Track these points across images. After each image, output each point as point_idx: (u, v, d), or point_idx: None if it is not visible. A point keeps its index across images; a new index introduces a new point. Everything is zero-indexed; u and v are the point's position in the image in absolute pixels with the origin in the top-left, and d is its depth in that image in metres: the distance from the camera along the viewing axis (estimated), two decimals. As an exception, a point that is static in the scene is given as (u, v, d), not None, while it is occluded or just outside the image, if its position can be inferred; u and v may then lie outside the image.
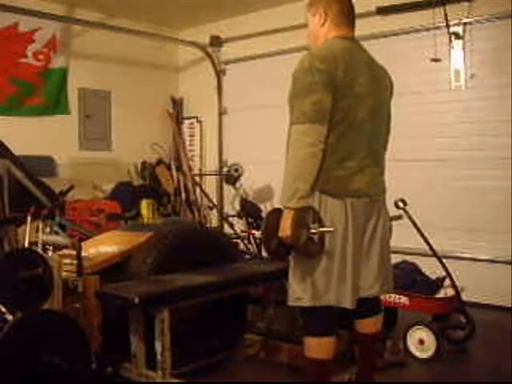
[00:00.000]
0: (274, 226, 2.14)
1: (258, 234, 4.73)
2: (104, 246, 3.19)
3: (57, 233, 3.81)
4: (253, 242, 4.89)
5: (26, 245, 2.82)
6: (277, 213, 2.16)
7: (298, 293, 2.27)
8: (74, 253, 2.82)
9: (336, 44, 2.31)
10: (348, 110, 2.19)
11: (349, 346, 3.33)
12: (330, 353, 2.32)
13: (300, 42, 5.61)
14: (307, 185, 2.10)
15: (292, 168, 2.12)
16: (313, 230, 2.10)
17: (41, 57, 5.61)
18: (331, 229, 2.15)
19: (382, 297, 3.56)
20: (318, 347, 2.31)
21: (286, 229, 2.09)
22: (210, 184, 6.56)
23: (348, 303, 2.26)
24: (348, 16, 2.48)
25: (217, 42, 6.36)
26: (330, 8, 2.41)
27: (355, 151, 2.24)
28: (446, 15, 4.32)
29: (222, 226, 6.13)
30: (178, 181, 6.32)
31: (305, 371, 2.43)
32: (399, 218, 3.13)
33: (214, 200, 6.29)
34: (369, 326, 2.58)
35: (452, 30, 4.56)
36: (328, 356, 2.32)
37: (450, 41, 4.60)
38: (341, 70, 2.15)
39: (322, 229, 2.12)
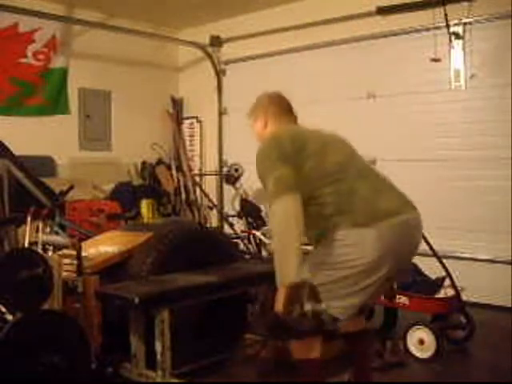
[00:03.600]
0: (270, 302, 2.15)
1: (258, 233, 4.73)
2: (104, 246, 3.19)
3: (57, 233, 3.81)
4: (253, 241, 4.89)
5: (26, 245, 2.82)
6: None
7: None
8: (74, 253, 2.82)
9: (279, 130, 2.48)
10: (317, 166, 2.25)
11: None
12: (317, 352, 2.32)
13: (300, 42, 5.63)
14: (294, 262, 2.08)
15: (279, 246, 2.13)
16: (306, 308, 2.07)
17: (41, 57, 5.61)
18: (323, 307, 2.12)
19: (382, 297, 3.58)
20: (304, 349, 2.31)
21: (278, 305, 2.07)
22: (210, 184, 6.56)
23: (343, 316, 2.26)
24: (285, 109, 2.59)
25: (217, 42, 6.36)
26: (267, 112, 2.56)
27: (356, 182, 2.26)
28: (446, 15, 4.32)
29: (221, 226, 6.13)
30: (178, 181, 6.32)
31: (299, 372, 2.43)
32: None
33: (214, 200, 6.29)
34: (353, 325, 2.51)
35: (452, 30, 4.55)
36: (317, 355, 2.31)
37: (450, 41, 4.59)
38: (287, 142, 2.28)
39: (314, 307, 2.09)
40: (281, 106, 2.59)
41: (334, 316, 2.23)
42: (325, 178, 2.25)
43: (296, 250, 2.09)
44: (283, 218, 2.12)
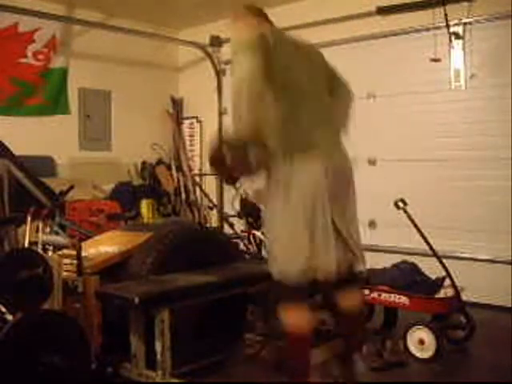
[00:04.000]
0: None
1: (258, 233, 4.73)
2: (104, 246, 3.20)
3: (57, 233, 3.81)
4: (253, 242, 4.89)
5: (26, 245, 2.82)
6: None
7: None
8: (74, 253, 2.83)
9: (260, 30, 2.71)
10: (285, 79, 2.44)
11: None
12: (306, 323, 2.37)
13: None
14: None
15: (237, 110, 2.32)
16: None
17: (41, 57, 5.61)
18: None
19: (383, 297, 3.58)
20: (296, 315, 2.36)
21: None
22: (210, 184, 6.56)
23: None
24: (262, 16, 2.93)
25: (217, 42, 6.35)
26: (246, 16, 2.87)
27: (304, 111, 2.45)
28: (446, 15, 4.32)
29: (221, 226, 6.12)
30: (178, 181, 6.32)
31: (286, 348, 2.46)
32: None
33: (214, 200, 6.29)
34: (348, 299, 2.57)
35: (452, 30, 4.55)
36: (307, 327, 2.37)
37: (450, 41, 4.59)
38: (268, 44, 2.47)
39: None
40: (259, 15, 2.88)
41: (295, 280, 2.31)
42: (284, 91, 2.39)
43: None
44: (246, 102, 2.27)
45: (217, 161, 2.47)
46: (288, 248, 2.33)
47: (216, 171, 2.61)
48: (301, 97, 2.44)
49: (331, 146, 2.55)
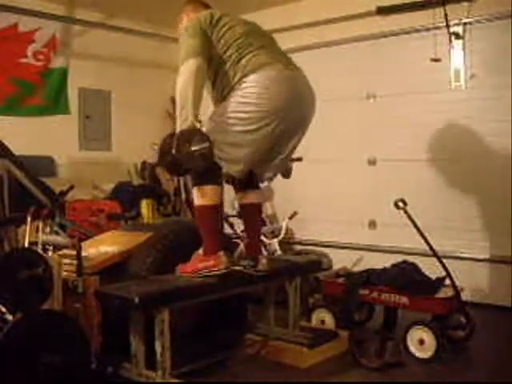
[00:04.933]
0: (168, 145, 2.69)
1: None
2: (104, 246, 3.20)
3: (57, 233, 3.81)
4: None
5: (26, 245, 2.82)
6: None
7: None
8: (74, 253, 2.83)
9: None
10: (228, 33, 2.86)
11: (349, 346, 3.35)
12: (218, 198, 2.87)
13: (300, 42, 5.62)
14: (191, 110, 2.64)
15: (179, 97, 2.69)
16: (192, 148, 2.59)
17: (41, 57, 5.61)
18: (205, 145, 2.61)
19: (383, 297, 3.59)
20: (214, 194, 2.83)
21: (174, 145, 2.61)
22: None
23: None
24: (197, 2, 3.21)
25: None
26: (187, 9, 3.20)
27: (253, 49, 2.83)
28: (446, 15, 4.32)
29: (222, 226, 6.12)
30: (178, 181, 6.32)
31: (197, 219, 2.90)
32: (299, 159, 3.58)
33: (214, 200, 6.28)
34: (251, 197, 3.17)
35: (452, 30, 4.55)
36: (218, 201, 2.86)
37: (450, 41, 4.59)
38: (204, 17, 2.87)
39: (198, 146, 2.59)
40: (197, 2, 3.17)
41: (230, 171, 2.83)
42: (234, 39, 2.81)
43: (194, 102, 2.63)
44: (187, 76, 2.65)
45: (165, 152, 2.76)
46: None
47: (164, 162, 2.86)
48: (249, 35, 2.86)
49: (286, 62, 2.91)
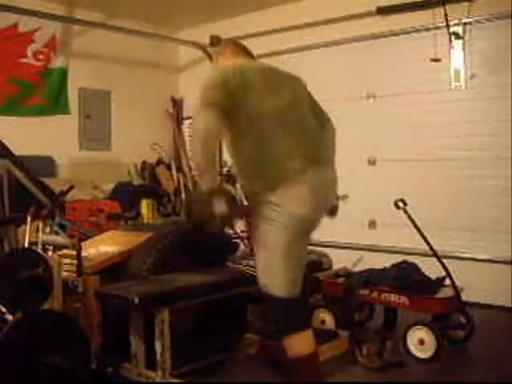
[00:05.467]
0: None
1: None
2: (104, 246, 3.20)
3: (57, 233, 3.81)
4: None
5: (26, 245, 2.82)
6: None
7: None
8: (74, 253, 2.82)
9: (232, 64, 2.59)
10: (257, 105, 2.38)
11: (349, 346, 3.34)
12: (312, 345, 2.39)
13: (300, 42, 5.63)
14: (212, 169, 2.37)
15: (198, 156, 2.36)
16: (216, 211, 2.34)
17: (41, 57, 5.61)
18: (225, 211, 2.33)
19: (383, 297, 3.59)
20: (299, 343, 2.38)
21: (196, 207, 2.38)
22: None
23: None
24: (241, 47, 2.82)
25: (217, 41, 6.35)
26: (226, 50, 2.81)
27: (282, 138, 2.39)
28: (446, 15, 4.31)
29: (221, 226, 6.12)
30: (178, 181, 6.32)
31: (295, 372, 2.44)
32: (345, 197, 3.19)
33: (214, 200, 6.28)
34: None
35: (452, 30, 4.55)
36: (311, 349, 2.38)
37: (450, 41, 4.59)
38: (232, 75, 2.40)
39: (219, 210, 2.34)
40: (238, 45, 2.83)
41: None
42: (258, 124, 2.38)
43: (215, 160, 2.38)
44: (202, 132, 2.32)
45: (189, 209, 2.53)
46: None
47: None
48: (277, 123, 2.40)
49: (317, 170, 2.46)
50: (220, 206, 2.32)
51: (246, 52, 2.77)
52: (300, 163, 2.36)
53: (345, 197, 3.08)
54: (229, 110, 2.33)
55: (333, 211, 2.80)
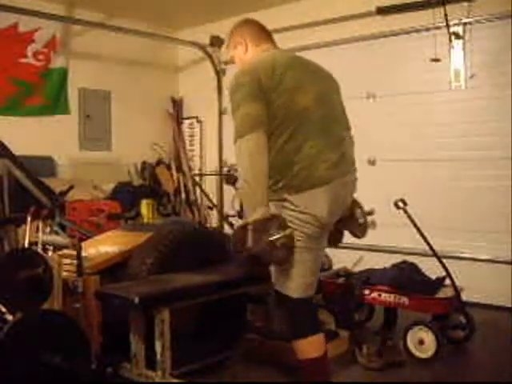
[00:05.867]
0: (241, 239, 2.20)
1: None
2: (104, 246, 3.19)
3: (57, 233, 3.81)
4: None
5: (26, 245, 2.81)
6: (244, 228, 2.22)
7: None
8: (74, 253, 2.82)
9: (257, 57, 2.41)
10: (286, 105, 2.26)
11: (349, 346, 3.35)
12: (322, 349, 2.37)
13: (300, 42, 5.62)
14: (263, 195, 2.19)
15: (247, 182, 2.20)
16: (273, 237, 2.17)
17: (41, 57, 5.61)
18: (286, 232, 2.19)
19: (383, 297, 3.58)
20: (311, 347, 2.35)
21: (248, 241, 2.17)
22: (210, 184, 6.56)
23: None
24: (263, 32, 2.56)
25: (217, 42, 6.36)
26: (244, 34, 2.53)
27: (310, 139, 2.29)
28: (446, 15, 4.32)
29: (221, 226, 6.12)
30: (178, 181, 6.32)
31: (303, 374, 2.43)
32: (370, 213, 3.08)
33: (214, 200, 6.29)
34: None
35: (452, 30, 4.55)
36: (321, 353, 2.36)
37: (450, 41, 4.59)
38: (263, 74, 2.24)
39: (278, 235, 2.17)
40: (259, 29, 2.55)
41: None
42: (285, 124, 2.26)
43: (264, 185, 2.19)
44: (250, 155, 2.18)
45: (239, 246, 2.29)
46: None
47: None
48: (305, 126, 2.30)
49: (341, 179, 2.39)
50: (279, 231, 2.17)
51: (269, 37, 2.55)
52: (325, 166, 2.30)
53: (372, 213, 2.98)
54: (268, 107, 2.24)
55: (362, 230, 2.68)
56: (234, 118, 2.26)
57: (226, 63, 6.48)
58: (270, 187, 2.25)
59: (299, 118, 2.28)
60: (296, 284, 2.33)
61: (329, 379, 2.43)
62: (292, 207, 2.28)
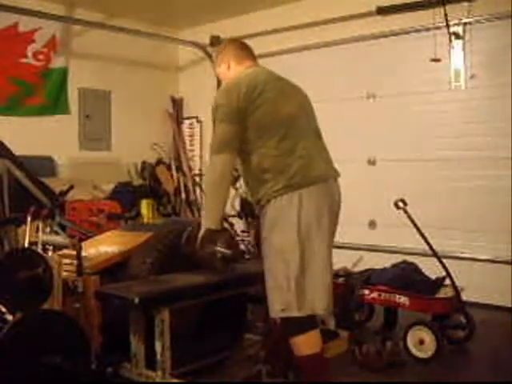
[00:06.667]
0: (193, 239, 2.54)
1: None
2: (104, 246, 3.19)
3: (57, 233, 3.81)
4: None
5: (26, 245, 2.81)
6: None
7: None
8: (74, 253, 2.82)
9: (240, 74, 2.59)
10: (270, 112, 2.40)
11: (349, 346, 3.34)
12: (319, 345, 2.39)
13: (300, 42, 5.63)
14: (218, 209, 2.46)
15: (208, 194, 2.51)
16: (216, 249, 2.52)
17: (41, 57, 5.61)
18: (228, 252, 2.54)
19: (383, 297, 3.59)
20: (307, 343, 2.37)
21: (198, 242, 2.49)
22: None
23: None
24: (245, 50, 2.72)
25: (217, 42, 6.35)
26: (229, 54, 2.69)
27: (298, 143, 2.41)
28: (446, 15, 4.32)
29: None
30: (178, 181, 6.32)
31: (303, 371, 2.43)
32: None
33: (214, 200, 6.28)
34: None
35: (452, 30, 4.55)
36: (318, 349, 2.37)
37: (450, 41, 4.59)
38: (242, 92, 2.40)
39: (221, 249, 2.53)
40: (241, 49, 2.72)
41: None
42: (274, 128, 2.39)
43: (220, 203, 2.45)
44: (216, 174, 2.41)
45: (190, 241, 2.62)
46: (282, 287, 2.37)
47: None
48: (294, 129, 2.43)
49: (331, 178, 2.51)
50: (221, 247, 2.50)
51: (250, 55, 2.71)
52: (319, 166, 2.43)
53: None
54: (243, 125, 2.40)
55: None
56: (213, 132, 2.47)
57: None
58: (270, 188, 2.37)
59: (287, 123, 2.41)
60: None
61: (329, 376, 2.43)
62: (297, 205, 2.34)
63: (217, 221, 2.46)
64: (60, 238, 3.37)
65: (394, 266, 3.75)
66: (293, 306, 2.32)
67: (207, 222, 2.46)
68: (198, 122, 6.80)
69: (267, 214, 2.40)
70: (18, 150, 4.12)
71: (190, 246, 2.61)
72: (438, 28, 4.59)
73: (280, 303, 2.35)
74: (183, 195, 6.25)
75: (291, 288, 2.31)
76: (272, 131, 2.38)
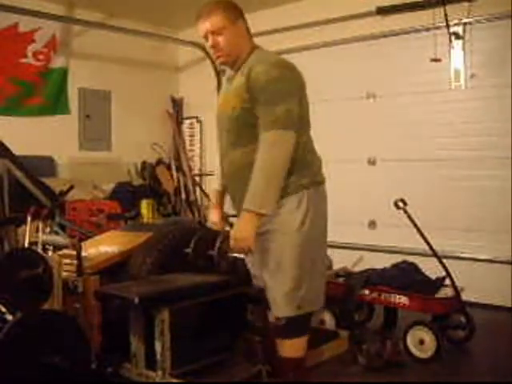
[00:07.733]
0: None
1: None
2: (104, 246, 3.19)
3: (57, 233, 3.81)
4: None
5: (26, 245, 2.82)
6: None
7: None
8: (74, 253, 2.82)
9: (271, 53, 2.46)
10: (307, 106, 2.40)
11: (349, 346, 3.34)
12: (305, 350, 2.43)
13: (300, 42, 5.63)
14: (278, 193, 2.19)
15: (272, 171, 2.16)
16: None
17: (41, 57, 5.61)
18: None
19: (383, 297, 3.58)
20: (299, 346, 2.41)
21: (248, 236, 2.19)
22: (210, 184, 6.56)
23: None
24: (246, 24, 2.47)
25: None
26: (245, 21, 2.39)
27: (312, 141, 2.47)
28: (446, 15, 4.32)
29: (221, 226, 6.12)
30: (178, 181, 6.33)
31: (284, 373, 2.46)
32: None
33: (214, 200, 6.28)
34: None
35: (452, 30, 4.55)
36: (304, 353, 2.42)
37: (450, 41, 4.59)
38: (301, 76, 2.36)
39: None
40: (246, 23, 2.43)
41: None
42: (308, 122, 2.40)
43: (278, 190, 2.17)
44: (287, 152, 2.17)
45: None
46: (313, 277, 2.42)
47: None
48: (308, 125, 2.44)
49: None
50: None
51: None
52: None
53: None
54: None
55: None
56: (270, 106, 2.18)
57: (226, 63, 6.48)
58: (292, 182, 2.28)
59: (309, 122, 2.41)
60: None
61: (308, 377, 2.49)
62: (317, 200, 2.39)
63: (268, 209, 2.15)
64: (60, 238, 3.37)
65: (394, 266, 3.75)
66: (311, 301, 2.38)
67: (267, 206, 2.12)
68: (198, 121, 6.80)
69: (285, 207, 2.26)
70: (17, 150, 4.12)
71: (223, 254, 2.43)
72: (438, 28, 4.59)
73: (298, 299, 2.33)
74: (183, 195, 6.25)
75: (315, 281, 2.41)
76: (305, 127, 2.35)
